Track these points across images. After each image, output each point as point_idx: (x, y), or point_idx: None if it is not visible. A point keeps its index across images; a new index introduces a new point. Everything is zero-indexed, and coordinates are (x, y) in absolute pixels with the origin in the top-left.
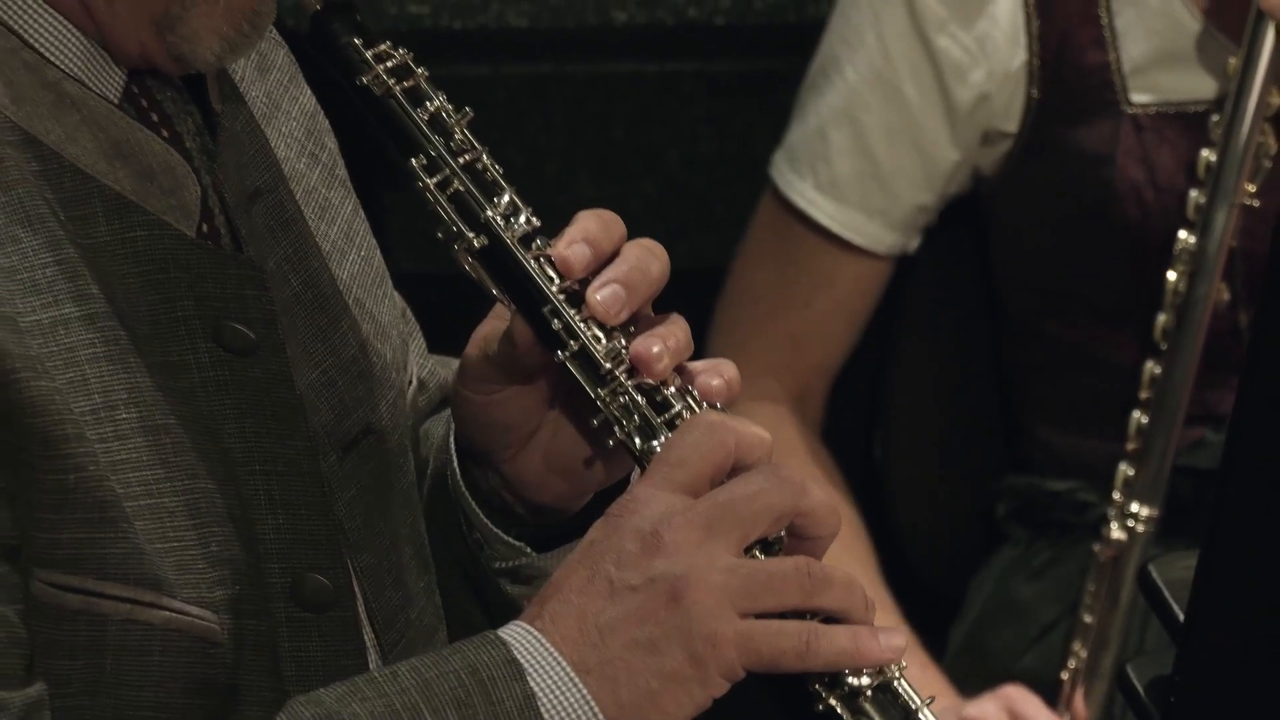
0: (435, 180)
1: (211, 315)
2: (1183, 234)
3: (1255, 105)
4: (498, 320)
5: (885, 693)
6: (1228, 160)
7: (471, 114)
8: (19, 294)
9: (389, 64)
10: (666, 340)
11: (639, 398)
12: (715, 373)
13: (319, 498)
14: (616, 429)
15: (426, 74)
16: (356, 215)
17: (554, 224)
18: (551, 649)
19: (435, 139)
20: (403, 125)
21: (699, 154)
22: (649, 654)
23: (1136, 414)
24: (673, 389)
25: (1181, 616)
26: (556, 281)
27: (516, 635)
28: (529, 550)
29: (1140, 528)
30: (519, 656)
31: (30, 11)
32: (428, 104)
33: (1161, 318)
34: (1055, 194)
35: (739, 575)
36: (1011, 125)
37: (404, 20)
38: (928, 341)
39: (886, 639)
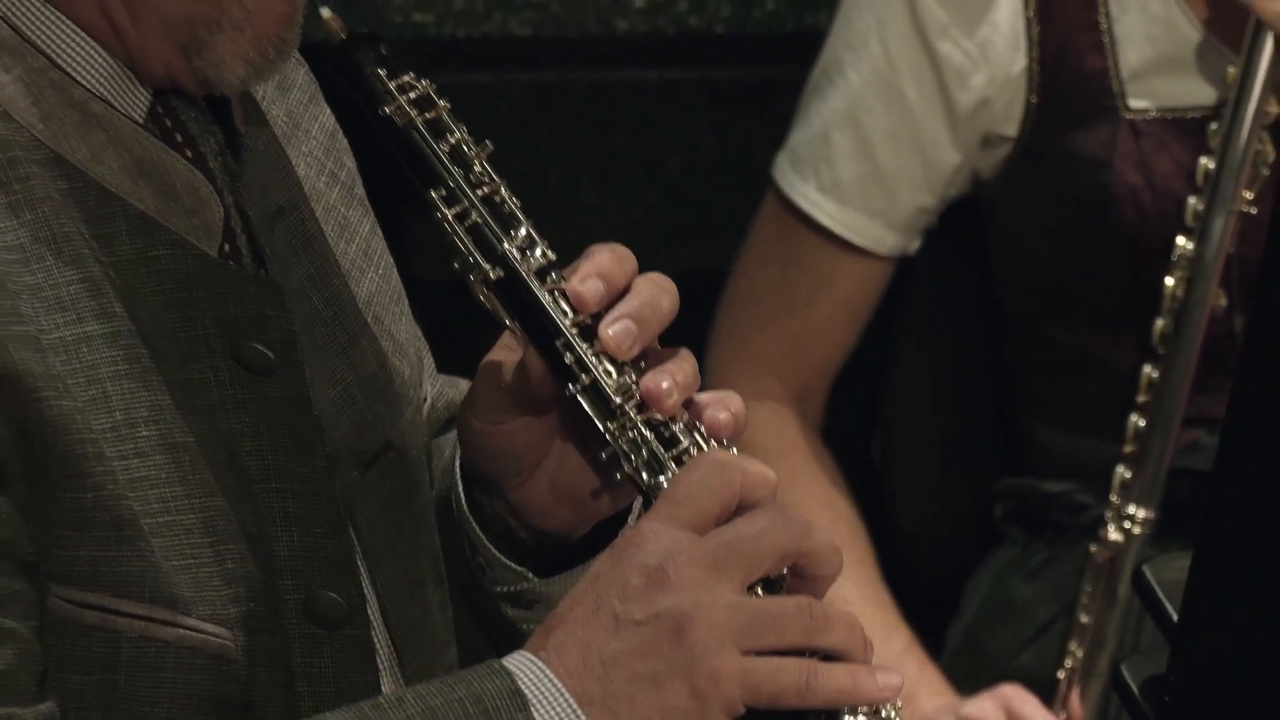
0: (454, 211)
1: (231, 334)
2: (1181, 240)
3: (1253, 114)
4: (507, 350)
5: None
6: (1226, 168)
7: (491, 147)
8: (43, 311)
9: (411, 95)
10: (675, 375)
11: (648, 433)
12: (722, 406)
13: (334, 516)
14: (625, 463)
15: (448, 106)
16: (374, 234)
17: (556, 230)
18: (555, 680)
19: (455, 171)
20: (423, 156)
21: (699, 160)
22: (652, 688)
23: (1134, 417)
24: (680, 425)
25: (1175, 617)
26: (570, 315)
27: (521, 665)
28: (531, 575)
29: (1137, 529)
30: (523, 687)
31: (58, 32)
32: (449, 136)
33: (1159, 323)
34: (1054, 198)
35: (742, 613)
36: (1011, 129)
37: (408, 28)
38: (926, 344)
39: (884, 678)
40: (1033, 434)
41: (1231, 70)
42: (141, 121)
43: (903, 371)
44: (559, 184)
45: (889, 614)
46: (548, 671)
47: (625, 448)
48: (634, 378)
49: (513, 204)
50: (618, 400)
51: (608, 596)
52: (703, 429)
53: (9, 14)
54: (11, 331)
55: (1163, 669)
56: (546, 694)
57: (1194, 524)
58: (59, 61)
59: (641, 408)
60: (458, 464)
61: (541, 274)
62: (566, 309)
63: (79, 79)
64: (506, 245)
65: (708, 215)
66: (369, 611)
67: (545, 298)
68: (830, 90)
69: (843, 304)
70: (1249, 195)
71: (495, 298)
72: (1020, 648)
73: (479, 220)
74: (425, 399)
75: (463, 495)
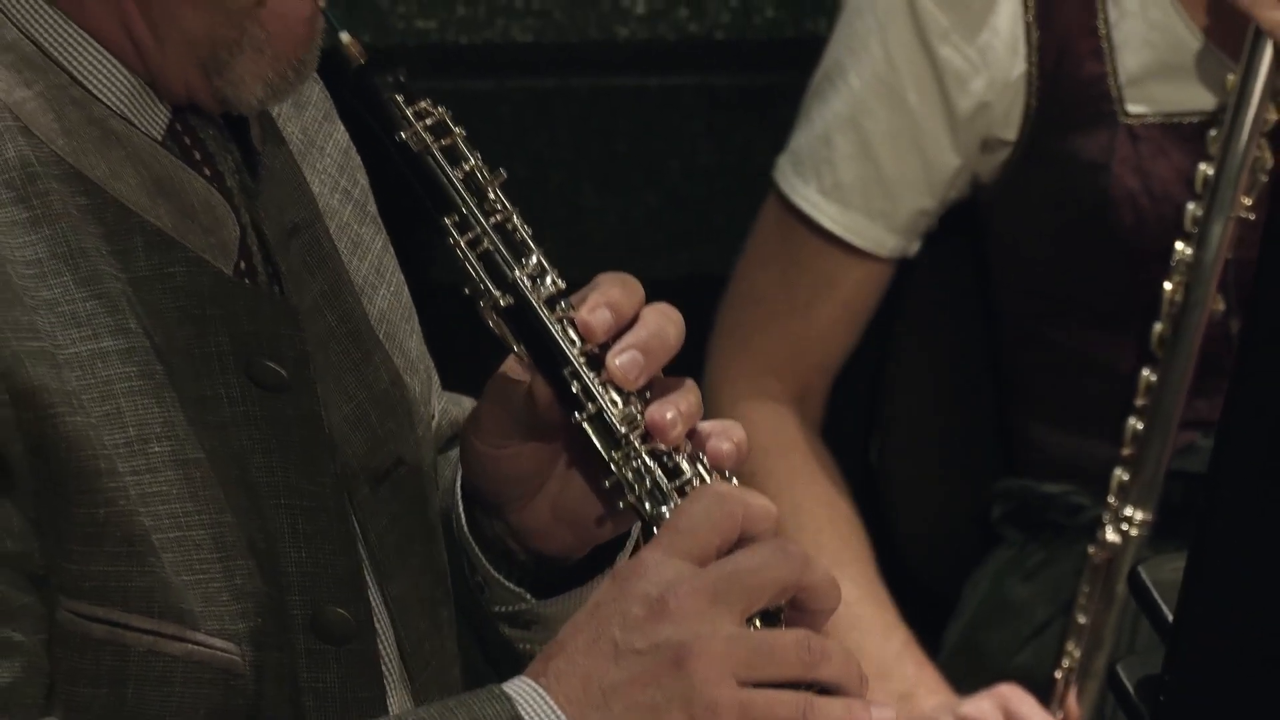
0: (466, 238)
1: (245, 351)
2: (1179, 245)
3: (1252, 121)
4: (513, 375)
5: None
6: (1225, 174)
7: (505, 175)
8: (59, 326)
9: (428, 121)
10: (680, 406)
11: (651, 463)
12: (725, 437)
13: (343, 533)
14: (628, 492)
15: (464, 133)
16: (386, 251)
17: (558, 233)
18: (555, 708)
19: (469, 198)
20: (438, 183)
21: (699, 165)
22: (650, 717)
23: (1132, 420)
24: (684, 455)
25: (1170, 617)
26: (578, 344)
27: (522, 691)
28: (528, 596)
29: (1134, 531)
30: (523, 713)
31: (80, 49)
32: (463, 163)
33: (1158, 327)
34: (1052, 201)
35: (742, 645)
36: (1010, 133)
37: (411, 35)
38: (925, 345)
39: (878, 713)
40: (1030, 435)
41: (1231, 77)
42: (160, 139)
43: (901, 373)
44: (560, 188)
45: (888, 613)
46: (548, 698)
47: (629, 477)
48: (639, 408)
49: (524, 232)
50: (623, 430)
51: (609, 625)
52: (705, 459)
53: (32, 31)
54: (28, 347)
55: (1158, 669)
56: None
57: (1189, 525)
58: (80, 78)
59: (646, 438)
60: (459, 484)
61: (551, 302)
62: (575, 338)
63: (100, 96)
64: (517, 273)
65: (708, 219)
66: (378, 626)
67: (554, 326)
68: (832, 93)
69: (843, 305)
70: (1247, 201)
71: (504, 324)
72: (1018, 647)
73: (491, 247)
74: (434, 415)
75: (463, 516)
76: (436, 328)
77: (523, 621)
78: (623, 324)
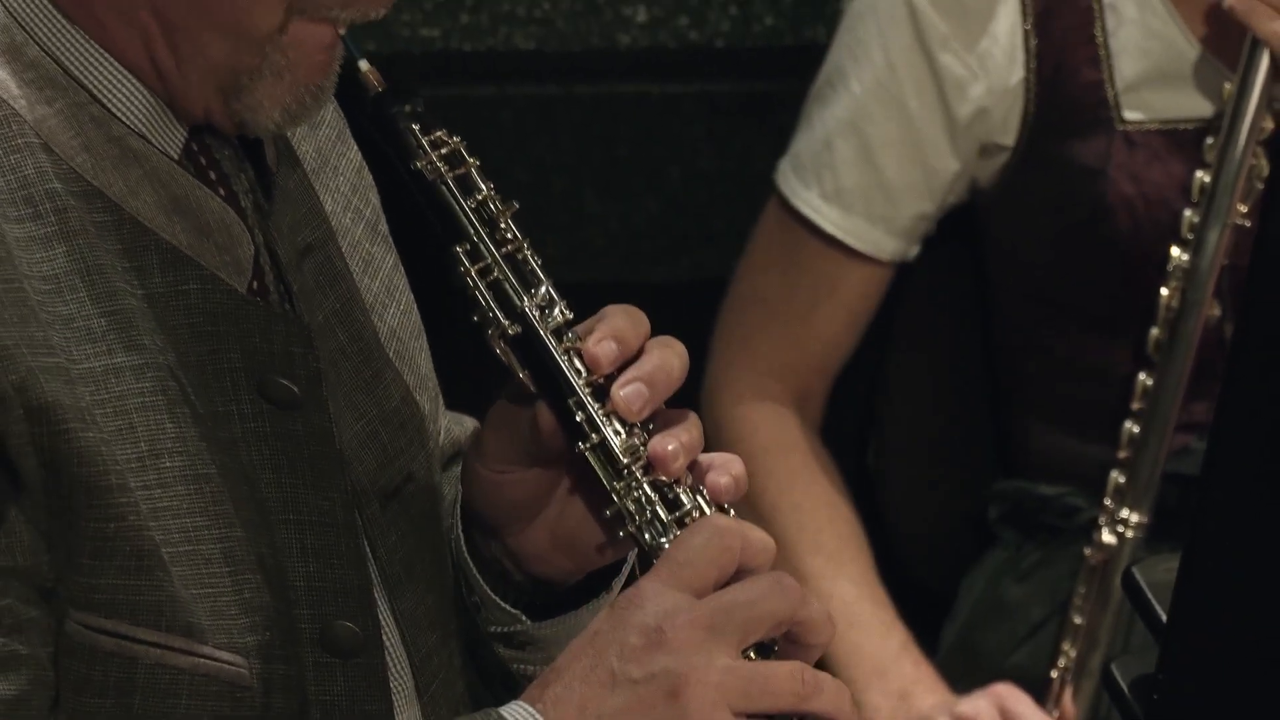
0: (477, 267)
1: (257, 369)
2: (1176, 251)
3: (1249, 129)
4: (517, 402)
5: None
6: (1221, 182)
7: (517, 206)
8: (74, 342)
9: (443, 151)
10: (681, 439)
11: (652, 494)
12: (724, 470)
13: (353, 548)
14: (629, 522)
15: (478, 163)
16: (396, 269)
17: (560, 238)
18: None
19: (480, 227)
20: (450, 212)
21: (700, 171)
22: None
23: (1128, 423)
24: (684, 487)
25: (1164, 617)
26: (583, 375)
27: (518, 716)
28: (524, 618)
29: (1130, 533)
30: None
31: (101, 69)
32: (476, 193)
33: (1154, 331)
34: (1050, 206)
35: (737, 676)
36: (1009, 139)
37: (416, 43)
38: (923, 349)
39: None
40: (1027, 438)
41: (1227, 86)
42: (177, 158)
43: (899, 375)
44: (563, 194)
45: (886, 612)
46: None
47: (630, 507)
48: (642, 439)
49: (534, 263)
50: (625, 461)
51: (606, 654)
52: (705, 492)
53: (54, 49)
54: (43, 363)
55: (1152, 668)
56: None
57: (1184, 527)
58: (100, 97)
59: (647, 469)
60: (458, 506)
61: (558, 333)
62: (580, 368)
63: (119, 114)
64: (526, 303)
65: (708, 224)
66: (388, 641)
67: (561, 357)
68: (833, 98)
69: (844, 307)
70: (1243, 209)
71: (512, 353)
72: (1014, 647)
73: (500, 276)
74: (441, 432)
75: (462, 537)
76: (442, 347)
77: (517, 642)
78: (628, 355)
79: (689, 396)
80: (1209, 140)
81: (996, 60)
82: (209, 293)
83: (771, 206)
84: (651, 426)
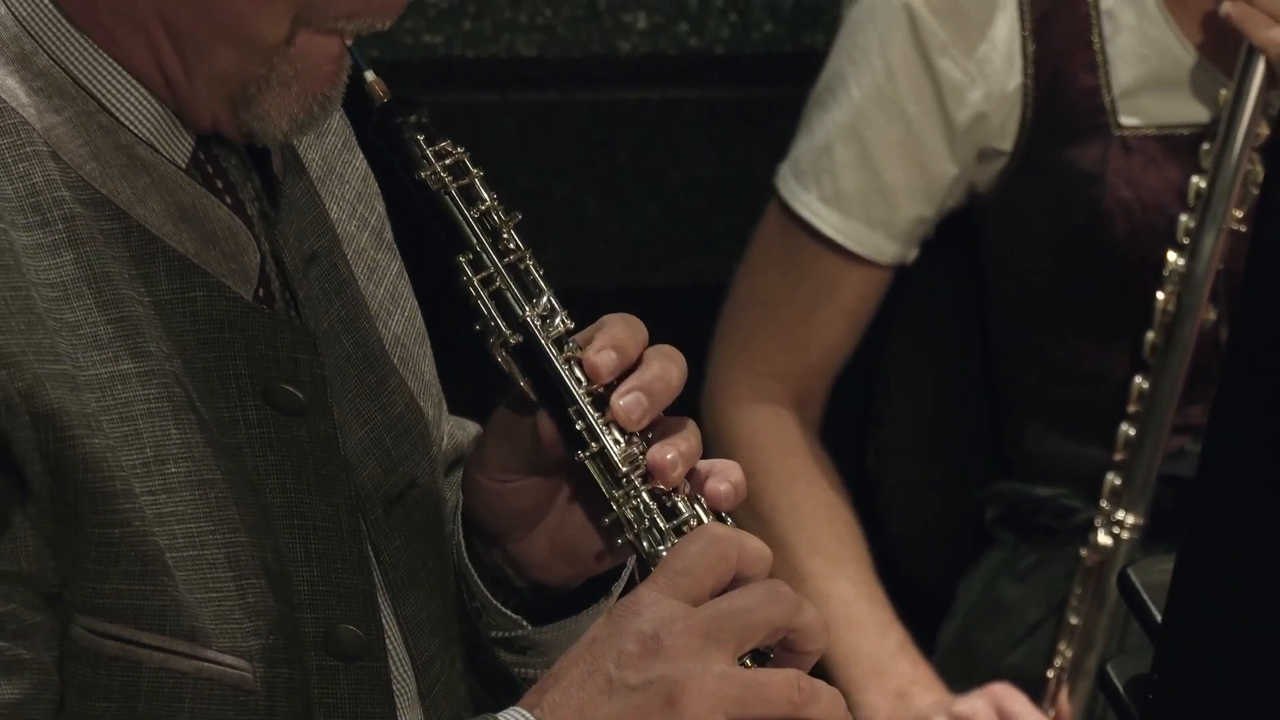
0: (479, 276)
1: (263, 376)
2: (1172, 256)
3: (1244, 135)
4: (517, 411)
5: None
6: (1218, 187)
7: (520, 216)
8: (80, 349)
9: (447, 161)
10: (680, 447)
11: (651, 502)
12: (723, 478)
13: (356, 553)
14: (627, 530)
15: (481, 174)
16: (401, 276)
17: (562, 244)
18: None
19: (483, 237)
20: (454, 222)
21: (700, 177)
22: None
23: (1124, 426)
24: (682, 496)
25: (1159, 618)
26: (584, 384)
27: None
28: (525, 623)
29: (1125, 535)
30: None
31: (110, 78)
32: (479, 204)
33: (1150, 335)
34: (1047, 211)
35: (733, 682)
36: (1006, 144)
37: (419, 50)
38: (921, 351)
39: None
40: (1024, 440)
41: (1223, 92)
42: (184, 167)
43: (897, 378)
44: (564, 199)
45: (883, 612)
46: None
47: (629, 516)
48: (641, 448)
49: (536, 273)
50: (624, 469)
51: (603, 660)
52: (704, 500)
53: (63, 59)
54: (49, 370)
55: (1147, 668)
56: None
57: (1179, 529)
58: (108, 105)
59: (646, 478)
60: (460, 513)
61: (559, 342)
62: (581, 377)
63: (127, 123)
64: (528, 312)
65: (708, 229)
66: (391, 645)
67: (562, 366)
68: (833, 103)
69: (843, 310)
70: (1239, 214)
71: (513, 361)
72: (1010, 647)
73: (503, 286)
74: (444, 437)
75: (463, 544)
76: (446, 354)
77: (518, 647)
78: (627, 364)
79: (689, 400)
80: (1205, 146)
81: (995, 66)
82: (215, 300)
83: (771, 210)
84: (651, 436)
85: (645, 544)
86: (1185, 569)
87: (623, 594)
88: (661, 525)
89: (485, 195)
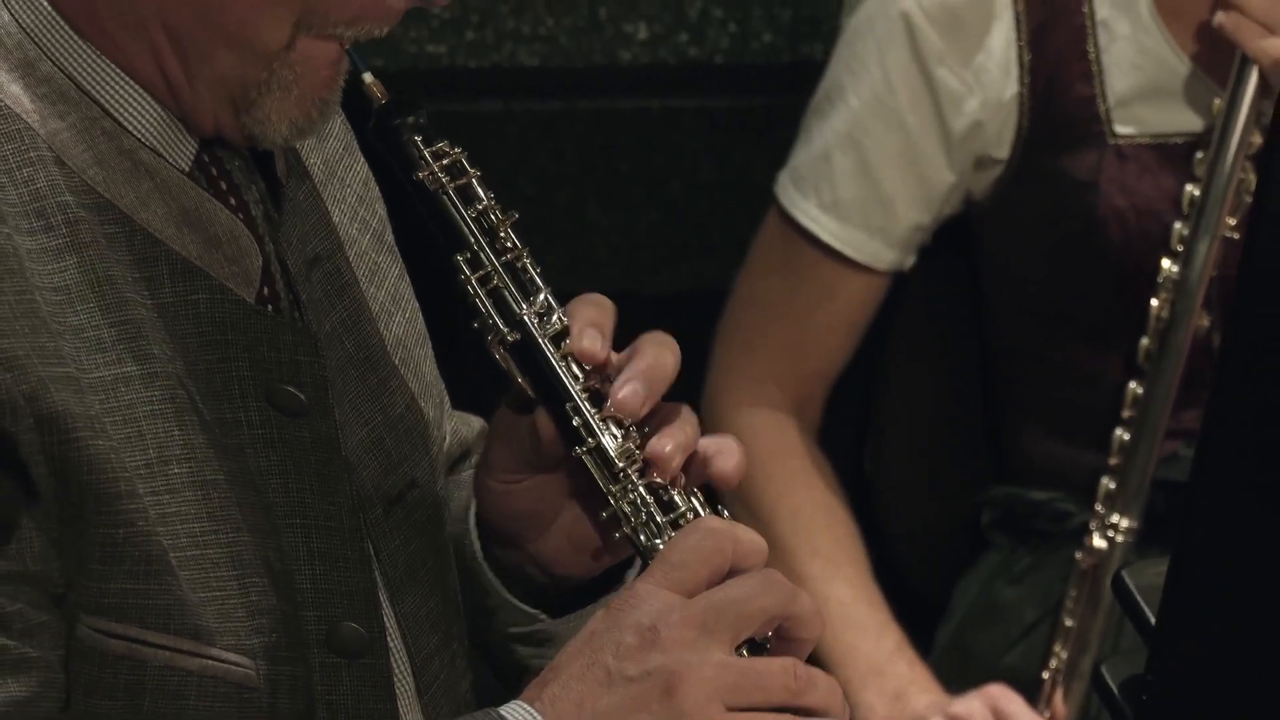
0: (477, 275)
1: (265, 377)
2: (1166, 263)
3: (1238, 144)
4: (517, 410)
5: None
6: (1211, 195)
7: (517, 215)
8: (84, 351)
9: (444, 162)
10: (677, 438)
11: (647, 496)
12: (727, 455)
13: (358, 551)
14: (624, 524)
15: (479, 174)
16: (402, 278)
17: (564, 250)
18: None
19: (480, 237)
20: (451, 221)
21: (700, 184)
22: None
23: (1119, 431)
24: (679, 490)
25: (1153, 620)
26: (580, 380)
27: (516, 714)
28: (544, 617)
29: (1120, 538)
30: None
31: (113, 84)
32: (476, 204)
33: (1145, 341)
34: (1043, 219)
35: (730, 672)
36: (1003, 152)
37: (422, 59)
38: (918, 357)
39: None
40: (1020, 444)
41: (1217, 101)
42: (187, 171)
43: (895, 383)
44: (566, 206)
45: (881, 614)
46: None
47: (626, 509)
48: (637, 442)
49: (534, 271)
50: (620, 464)
51: (602, 653)
52: (700, 495)
53: (67, 65)
54: (53, 373)
55: (1141, 669)
56: None
57: (1172, 532)
58: (112, 111)
59: (643, 472)
60: (472, 513)
61: (556, 339)
62: (577, 373)
63: (130, 128)
64: (525, 310)
65: (707, 235)
66: (390, 642)
67: (558, 363)
68: (832, 112)
69: (841, 316)
70: (1232, 221)
71: (510, 359)
72: (1006, 649)
73: (500, 284)
74: (445, 437)
75: (477, 545)
76: (450, 353)
77: (537, 640)
78: (609, 339)
79: (689, 403)
80: (1199, 154)
81: (991, 75)
82: (218, 303)
83: (771, 217)
84: (647, 429)
85: (642, 537)
86: (1179, 572)
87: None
88: (658, 519)
89: (482, 195)
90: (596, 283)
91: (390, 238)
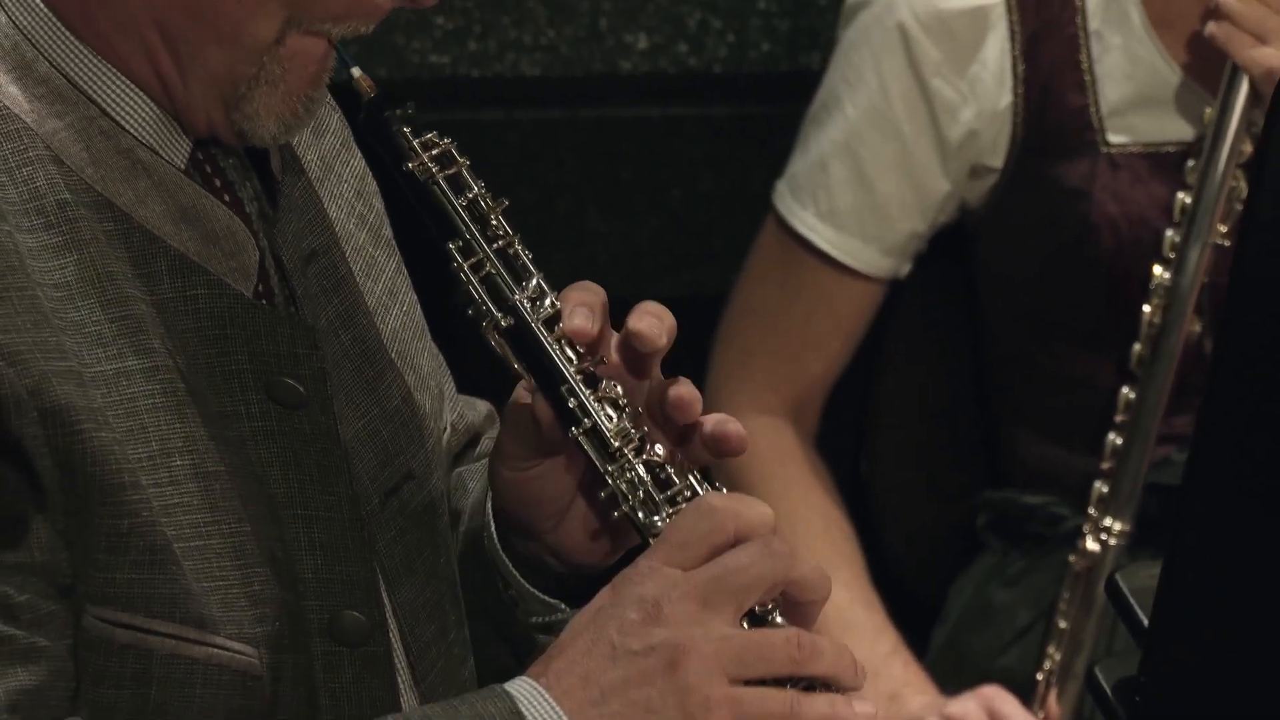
0: (469, 262)
1: (264, 370)
2: (1158, 270)
3: (1228, 152)
4: (523, 399)
5: None
6: (1202, 203)
7: (507, 203)
8: (86, 346)
9: (433, 152)
10: (685, 387)
11: (644, 474)
12: (730, 422)
13: (358, 541)
14: (622, 503)
15: (468, 163)
16: (399, 272)
17: (565, 257)
18: (554, 704)
19: (472, 224)
20: (443, 210)
21: (699, 191)
22: (646, 713)
23: (1112, 436)
24: (676, 467)
25: (1146, 622)
26: (574, 362)
27: (522, 690)
28: (564, 606)
29: (1113, 541)
30: (524, 709)
31: (109, 83)
32: (467, 192)
33: (1137, 347)
34: (1037, 226)
35: (733, 644)
36: (997, 161)
37: (426, 69)
38: (914, 363)
39: (860, 706)
40: (1014, 449)
41: (1208, 110)
42: (184, 168)
43: (891, 388)
44: (567, 214)
45: (878, 616)
46: (547, 695)
47: (623, 488)
48: (632, 423)
49: (525, 256)
50: (616, 444)
51: (606, 629)
52: (697, 474)
53: (64, 66)
54: (56, 367)
55: (1134, 671)
56: (546, 717)
57: (1165, 535)
58: (109, 110)
59: (639, 451)
60: (489, 504)
61: (549, 323)
62: (572, 356)
63: (127, 127)
64: (517, 295)
65: (707, 242)
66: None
67: (552, 346)
68: (829, 122)
69: (838, 322)
70: (1223, 229)
71: (505, 344)
72: (1001, 650)
73: (492, 271)
74: (445, 428)
75: (495, 536)
76: (456, 337)
77: (557, 630)
78: (599, 315)
79: None
80: (1190, 163)
81: (986, 85)
82: (216, 297)
83: (769, 225)
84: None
85: (640, 515)
86: (1171, 575)
87: None
88: (656, 496)
89: (473, 183)
90: None
91: (388, 232)
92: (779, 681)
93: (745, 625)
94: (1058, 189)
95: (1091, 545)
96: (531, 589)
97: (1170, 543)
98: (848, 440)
